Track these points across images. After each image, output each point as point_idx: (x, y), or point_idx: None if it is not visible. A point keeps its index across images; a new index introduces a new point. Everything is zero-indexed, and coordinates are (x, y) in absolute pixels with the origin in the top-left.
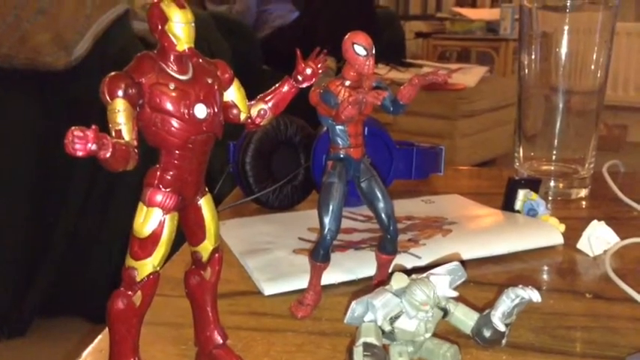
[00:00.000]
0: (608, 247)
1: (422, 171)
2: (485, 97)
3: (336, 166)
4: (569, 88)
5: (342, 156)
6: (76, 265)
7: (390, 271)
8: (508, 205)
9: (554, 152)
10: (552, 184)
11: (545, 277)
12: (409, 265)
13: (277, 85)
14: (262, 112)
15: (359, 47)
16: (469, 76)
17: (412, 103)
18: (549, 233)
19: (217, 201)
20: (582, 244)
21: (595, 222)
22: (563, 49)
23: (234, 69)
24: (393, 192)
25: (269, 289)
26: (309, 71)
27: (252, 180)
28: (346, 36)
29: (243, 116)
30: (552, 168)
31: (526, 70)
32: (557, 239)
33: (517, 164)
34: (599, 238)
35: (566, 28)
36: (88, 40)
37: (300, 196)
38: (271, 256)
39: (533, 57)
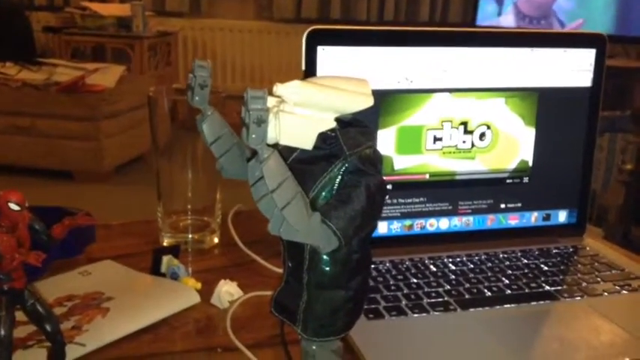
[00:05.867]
0: (232, 299)
1: (79, 247)
2: (126, 96)
3: (2, 299)
4: None
5: (5, 289)
6: None
7: None
8: (155, 269)
9: (189, 206)
10: (190, 236)
11: (188, 337)
12: (76, 355)
13: None
14: None
15: (13, 205)
16: (107, 76)
17: (52, 105)
18: (188, 295)
19: None
20: (214, 300)
21: (222, 281)
22: None
23: None
24: (50, 267)
25: None
26: None
27: None
28: (0, 194)
29: None
30: (189, 221)
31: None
32: (195, 299)
33: (160, 223)
34: (226, 293)
35: None
36: None
37: None
38: None
39: None
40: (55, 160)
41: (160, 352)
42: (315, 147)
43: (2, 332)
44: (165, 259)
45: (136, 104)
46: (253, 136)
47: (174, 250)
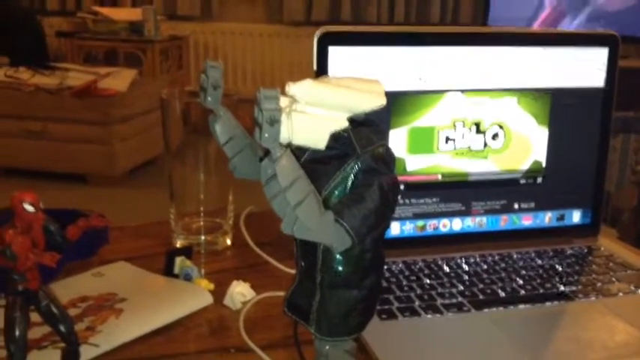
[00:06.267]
0: (245, 300)
1: (92, 249)
2: (138, 100)
3: (17, 300)
4: None
5: (20, 290)
6: None
7: None
8: (168, 271)
9: (201, 208)
10: (202, 238)
11: (201, 338)
12: (89, 356)
13: None
14: None
15: (27, 205)
16: (119, 80)
17: (65, 110)
18: (201, 296)
19: None
20: (227, 301)
21: (235, 282)
22: None
23: None
24: (64, 269)
25: None
26: None
27: None
28: (15, 195)
29: None
30: (202, 223)
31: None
32: (208, 300)
33: (173, 225)
34: (239, 294)
35: None
36: None
37: None
38: None
39: None
40: (68, 164)
41: (173, 353)
42: (328, 146)
43: (17, 333)
44: (178, 261)
45: (148, 108)
46: (266, 135)
47: (187, 252)
